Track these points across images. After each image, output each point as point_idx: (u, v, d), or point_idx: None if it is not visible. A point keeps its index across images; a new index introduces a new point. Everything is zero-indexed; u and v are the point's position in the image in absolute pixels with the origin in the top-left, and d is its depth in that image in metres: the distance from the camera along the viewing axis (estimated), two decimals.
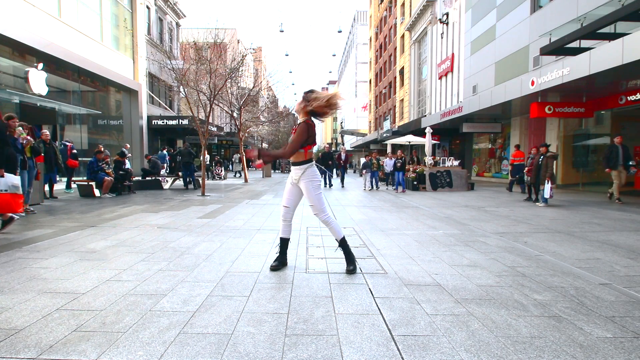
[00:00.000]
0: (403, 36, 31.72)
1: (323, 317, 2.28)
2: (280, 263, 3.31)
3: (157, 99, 20.33)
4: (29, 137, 6.35)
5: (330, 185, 14.41)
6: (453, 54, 21.85)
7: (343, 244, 3.27)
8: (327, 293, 2.70)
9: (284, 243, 3.34)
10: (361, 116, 54.72)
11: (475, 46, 18.87)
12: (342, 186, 14.40)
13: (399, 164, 12.30)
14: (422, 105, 28.08)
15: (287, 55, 45.05)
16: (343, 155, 15.60)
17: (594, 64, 8.93)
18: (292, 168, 3.22)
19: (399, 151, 13.70)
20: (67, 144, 10.28)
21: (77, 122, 14.46)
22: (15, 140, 5.89)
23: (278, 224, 5.52)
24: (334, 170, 15.93)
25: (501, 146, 18.69)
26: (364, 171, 13.10)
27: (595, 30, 9.58)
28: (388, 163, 13.87)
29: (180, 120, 18.74)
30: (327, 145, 15.05)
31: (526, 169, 9.56)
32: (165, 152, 16.70)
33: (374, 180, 13.21)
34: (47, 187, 8.58)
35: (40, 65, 10.82)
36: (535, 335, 2.06)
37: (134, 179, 11.28)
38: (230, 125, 26.82)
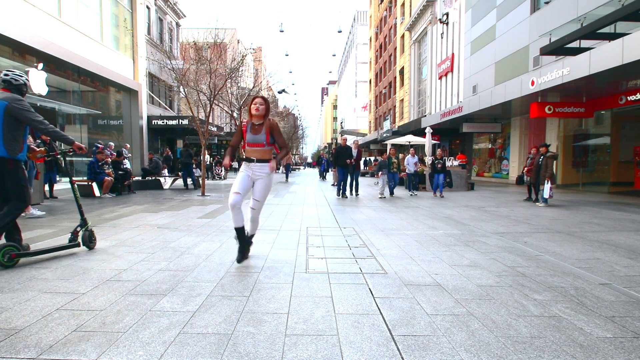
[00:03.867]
0: (403, 36, 31.72)
1: (323, 317, 2.28)
2: (243, 255, 3.43)
3: (157, 99, 20.32)
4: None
5: (344, 194, 10.15)
6: (453, 54, 21.86)
7: (241, 233, 3.41)
8: (327, 293, 2.70)
9: (242, 232, 3.40)
10: (361, 116, 54.70)
11: (475, 46, 18.87)
12: (357, 194, 10.44)
13: (439, 165, 10.69)
14: (422, 105, 28.08)
15: (287, 55, 45.04)
16: (355, 151, 10.61)
17: (594, 64, 8.94)
18: (256, 164, 3.37)
19: (439, 150, 11.65)
20: (99, 145, 10.91)
21: (77, 122, 14.46)
22: None
23: (278, 224, 5.54)
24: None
25: (501, 146, 18.69)
26: (379, 173, 10.36)
27: (595, 30, 9.59)
28: (410, 161, 11.47)
29: (180, 120, 18.72)
30: (344, 138, 10.66)
31: (526, 169, 9.57)
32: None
33: (392, 184, 10.90)
34: (47, 187, 8.59)
35: (40, 65, 10.82)
36: (535, 335, 2.06)
37: (134, 178, 11.28)
38: (230, 125, 26.84)
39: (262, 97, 3.43)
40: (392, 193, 10.80)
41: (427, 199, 10.04)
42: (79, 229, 3.78)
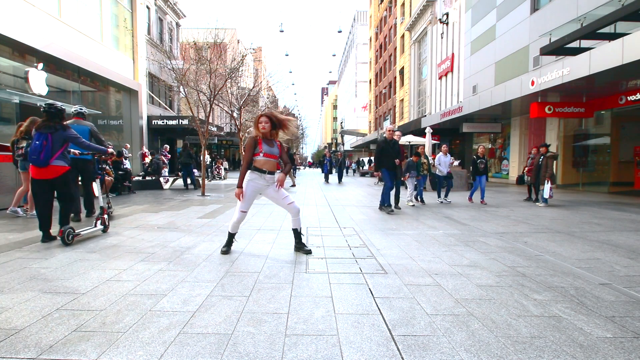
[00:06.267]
0: (403, 36, 31.72)
1: (323, 317, 2.28)
2: (229, 249, 3.89)
3: (157, 99, 20.31)
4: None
5: (389, 205, 7.17)
6: (453, 54, 21.85)
7: (297, 234, 3.91)
8: (327, 293, 2.70)
9: (233, 237, 3.95)
10: (361, 116, 54.73)
11: (475, 46, 18.87)
12: (396, 206, 7.49)
13: (482, 165, 8.96)
14: (422, 105, 28.08)
15: (287, 55, 44.95)
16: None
17: (594, 64, 8.94)
18: (268, 176, 3.72)
19: (481, 147, 9.65)
20: (165, 145, 11.77)
21: None
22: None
23: (278, 224, 5.55)
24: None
25: (501, 146, 18.69)
26: (407, 175, 8.30)
27: (595, 30, 9.59)
28: (443, 161, 9.35)
29: (180, 120, 18.71)
30: (390, 129, 7.41)
31: (526, 169, 9.56)
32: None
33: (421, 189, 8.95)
34: None
35: (40, 65, 10.81)
36: (535, 335, 2.06)
37: (133, 178, 11.28)
38: (230, 125, 26.81)
39: (266, 115, 3.72)
40: (422, 200, 8.86)
41: (467, 207, 8.11)
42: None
